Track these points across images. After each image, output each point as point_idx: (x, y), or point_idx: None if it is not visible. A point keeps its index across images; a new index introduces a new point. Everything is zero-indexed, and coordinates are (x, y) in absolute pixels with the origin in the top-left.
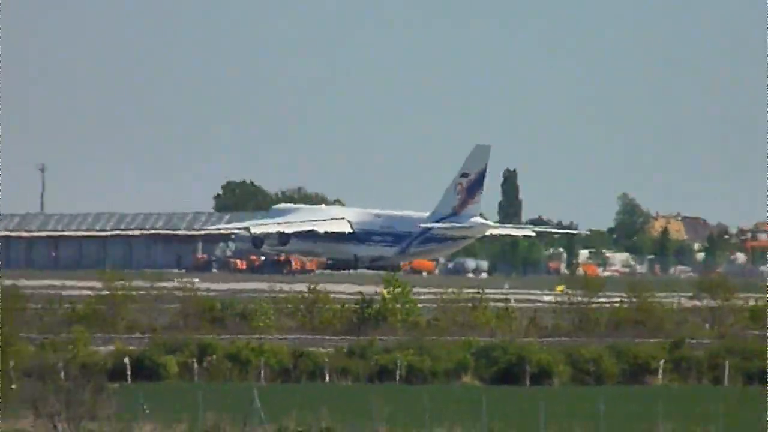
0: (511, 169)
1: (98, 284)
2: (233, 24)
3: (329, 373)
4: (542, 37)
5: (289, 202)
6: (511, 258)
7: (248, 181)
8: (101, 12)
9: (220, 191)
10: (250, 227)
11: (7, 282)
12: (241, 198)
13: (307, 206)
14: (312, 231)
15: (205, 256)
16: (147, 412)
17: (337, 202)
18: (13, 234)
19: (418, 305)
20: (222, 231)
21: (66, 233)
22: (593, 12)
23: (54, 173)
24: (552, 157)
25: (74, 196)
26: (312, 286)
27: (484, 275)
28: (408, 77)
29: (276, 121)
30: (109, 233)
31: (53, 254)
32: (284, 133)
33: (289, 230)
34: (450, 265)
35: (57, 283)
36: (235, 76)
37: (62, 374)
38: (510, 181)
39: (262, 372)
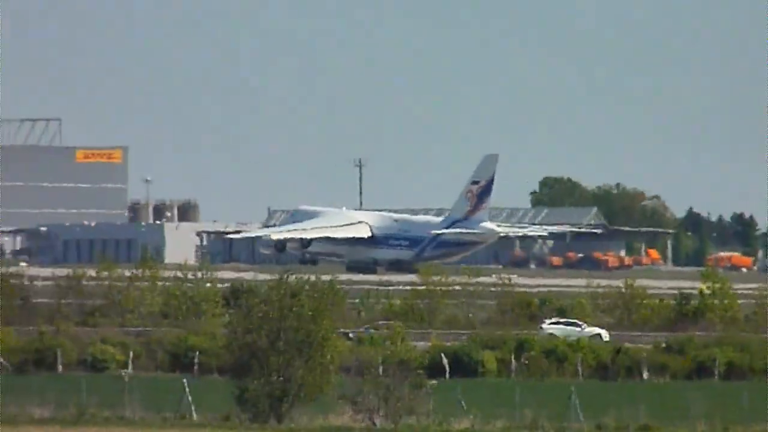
0: None
1: (416, 279)
2: None
3: (646, 369)
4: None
5: (606, 198)
6: None
7: (566, 178)
8: None
9: (537, 187)
10: (270, 234)
11: (325, 277)
12: (557, 194)
13: (331, 210)
14: (328, 237)
15: (522, 252)
16: (465, 408)
17: (655, 198)
18: None
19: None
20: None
21: None
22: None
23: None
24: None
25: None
26: (629, 282)
27: None
28: None
29: (594, 118)
30: None
31: None
32: (602, 131)
33: (306, 235)
34: None
35: (375, 278)
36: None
37: (380, 370)
38: None
39: (580, 368)
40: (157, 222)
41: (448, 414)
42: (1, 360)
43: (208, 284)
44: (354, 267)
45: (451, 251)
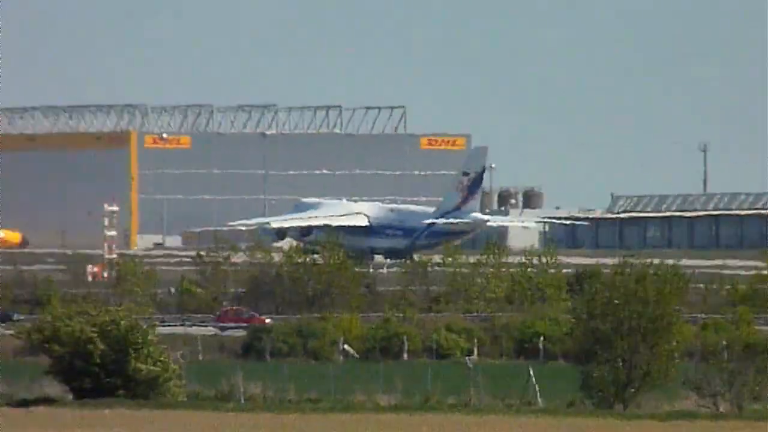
0: None
1: (761, 263)
2: None
3: None
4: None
5: None
6: None
7: None
8: None
9: None
10: (271, 223)
11: (669, 261)
12: None
13: (330, 201)
14: (327, 225)
15: None
16: None
17: None
18: (675, 214)
19: None
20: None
21: (726, 212)
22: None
23: (716, 154)
24: None
25: (736, 175)
26: None
27: None
28: None
29: None
30: None
31: (714, 233)
32: None
33: (304, 224)
34: None
35: (719, 262)
36: None
37: (725, 354)
38: None
39: None
40: (501, 209)
41: None
42: (348, 347)
43: (552, 270)
44: (352, 256)
45: (443, 240)
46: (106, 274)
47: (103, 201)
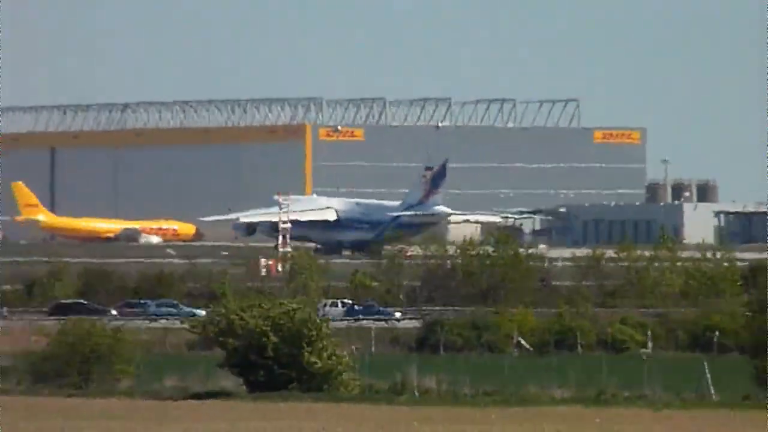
0: None
1: None
2: None
3: None
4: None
5: None
6: None
7: None
8: None
9: None
10: (240, 217)
11: None
12: None
13: (302, 197)
14: (296, 220)
15: None
16: None
17: None
18: None
19: None
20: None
21: None
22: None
23: None
24: None
25: None
26: None
27: None
28: None
29: None
30: None
31: None
32: None
33: (274, 218)
34: None
35: None
36: None
37: None
38: None
39: None
40: (676, 202)
41: None
42: (522, 341)
43: (726, 264)
44: (321, 249)
45: (407, 232)
46: (280, 268)
47: (277, 193)
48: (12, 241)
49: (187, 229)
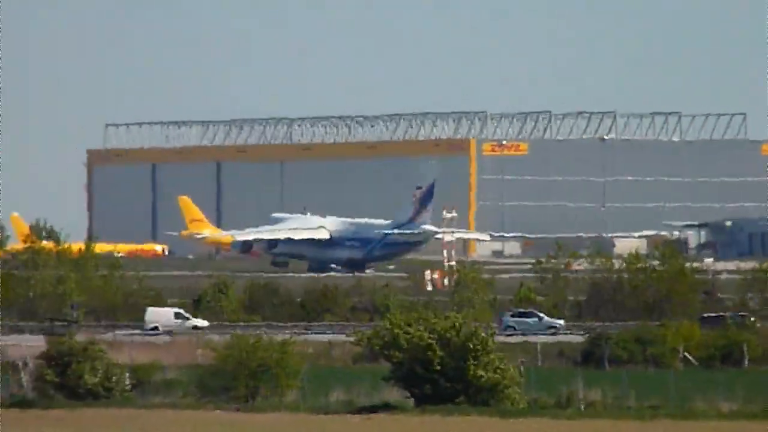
0: None
1: None
2: None
3: None
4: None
5: None
6: None
7: None
8: None
9: None
10: (234, 235)
11: None
12: None
13: (297, 216)
14: (290, 238)
15: None
16: None
17: None
18: None
19: None
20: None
21: None
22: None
23: None
24: None
25: None
26: None
27: None
28: None
29: None
30: None
31: None
32: None
33: (268, 236)
34: None
35: None
36: None
37: None
38: None
39: None
40: None
41: None
42: (688, 354)
43: None
44: (314, 267)
45: (397, 251)
46: (445, 281)
47: (441, 207)
48: (178, 256)
49: None
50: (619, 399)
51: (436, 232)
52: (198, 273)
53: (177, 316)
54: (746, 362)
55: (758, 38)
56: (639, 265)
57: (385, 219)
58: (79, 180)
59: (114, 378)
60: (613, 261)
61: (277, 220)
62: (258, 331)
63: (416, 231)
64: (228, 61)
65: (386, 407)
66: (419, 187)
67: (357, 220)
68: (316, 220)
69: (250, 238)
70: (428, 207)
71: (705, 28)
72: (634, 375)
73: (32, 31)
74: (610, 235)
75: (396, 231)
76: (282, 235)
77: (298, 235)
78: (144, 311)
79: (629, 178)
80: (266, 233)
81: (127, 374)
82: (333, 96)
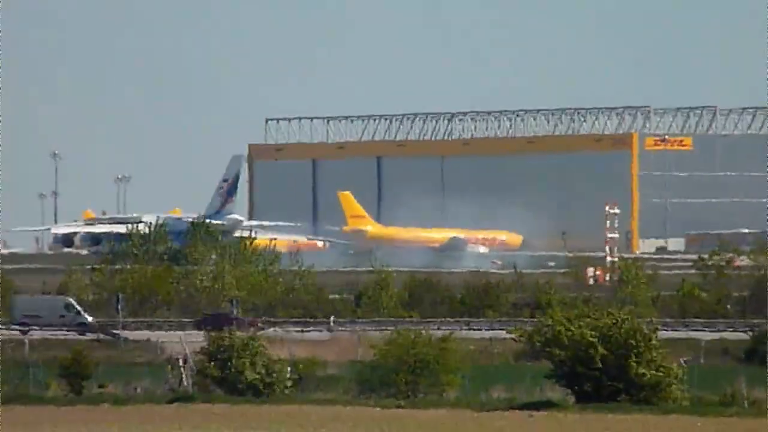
0: None
1: None
2: None
3: None
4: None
5: None
6: None
7: None
8: None
9: None
10: (51, 228)
11: None
12: None
13: (135, 215)
14: (118, 233)
15: None
16: None
17: None
18: None
19: None
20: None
21: None
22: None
23: None
24: None
25: None
26: None
27: None
28: None
29: None
30: None
31: None
32: None
33: (89, 230)
34: None
35: None
36: None
37: None
38: None
39: None
40: None
41: None
42: None
43: None
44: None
45: (208, 240)
46: (608, 278)
47: (604, 203)
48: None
49: (514, 238)
50: None
51: (242, 221)
52: (358, 269)
53: (67, 308)
54: None
55: None
56: None
57: (547, 214)
58: (240, 175)
59: (275, 374)
60: None
61: (118, 219)
62: (418, 327)
63: (222, 221)
64: (387, 56)
65: (547, 405)
66: (225, 180)
67: (170, 215)
68: (144, 216)
69: (70, 230)
70: (233, 197)
71: None
72: None
73: (192, 30)
74: None
75: (203, 222)
76: (108, 229)
77: (122, 230)
78: (304, 308)
79: None
80: (88, 227)
81: (289, 368)
82: (493, 90)
